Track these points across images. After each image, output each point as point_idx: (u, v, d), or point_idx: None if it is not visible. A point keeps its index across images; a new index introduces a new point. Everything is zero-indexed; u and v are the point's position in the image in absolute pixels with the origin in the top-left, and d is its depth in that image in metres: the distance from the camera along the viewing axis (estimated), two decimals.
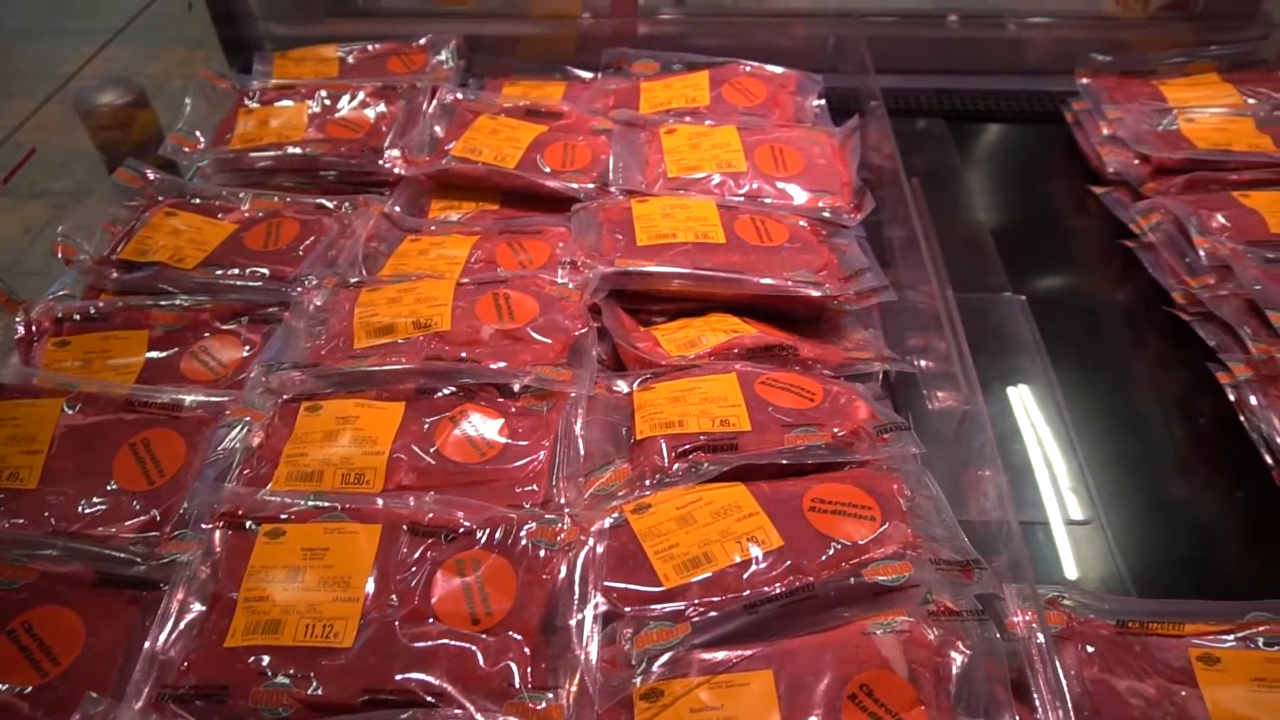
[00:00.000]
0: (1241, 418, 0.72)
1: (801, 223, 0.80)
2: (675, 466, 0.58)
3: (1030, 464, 0.72)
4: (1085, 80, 1.03)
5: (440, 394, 0.63)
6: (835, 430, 0.60)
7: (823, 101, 0.98)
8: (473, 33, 1.11)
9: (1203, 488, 0.71)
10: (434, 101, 0.94)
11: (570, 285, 0.72)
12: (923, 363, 0.72)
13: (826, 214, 0.81)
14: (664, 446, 0.59)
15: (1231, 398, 0.73)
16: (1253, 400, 0.72)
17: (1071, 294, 0.88)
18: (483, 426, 0.61)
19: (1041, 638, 0.54)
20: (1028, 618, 0.56)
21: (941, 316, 0.67)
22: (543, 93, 1.01)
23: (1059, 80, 1.07)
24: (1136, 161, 0.92)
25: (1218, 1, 1.18)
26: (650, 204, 0.79)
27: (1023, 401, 0.77)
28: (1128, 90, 1.00)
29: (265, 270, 0.75)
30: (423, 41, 1.05)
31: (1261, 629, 0.55)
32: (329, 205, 0.83)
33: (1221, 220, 0.82)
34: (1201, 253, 0.80)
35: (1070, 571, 0.65)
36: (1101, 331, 0.84)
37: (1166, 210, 0.86)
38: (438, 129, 0.92)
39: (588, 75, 1.04)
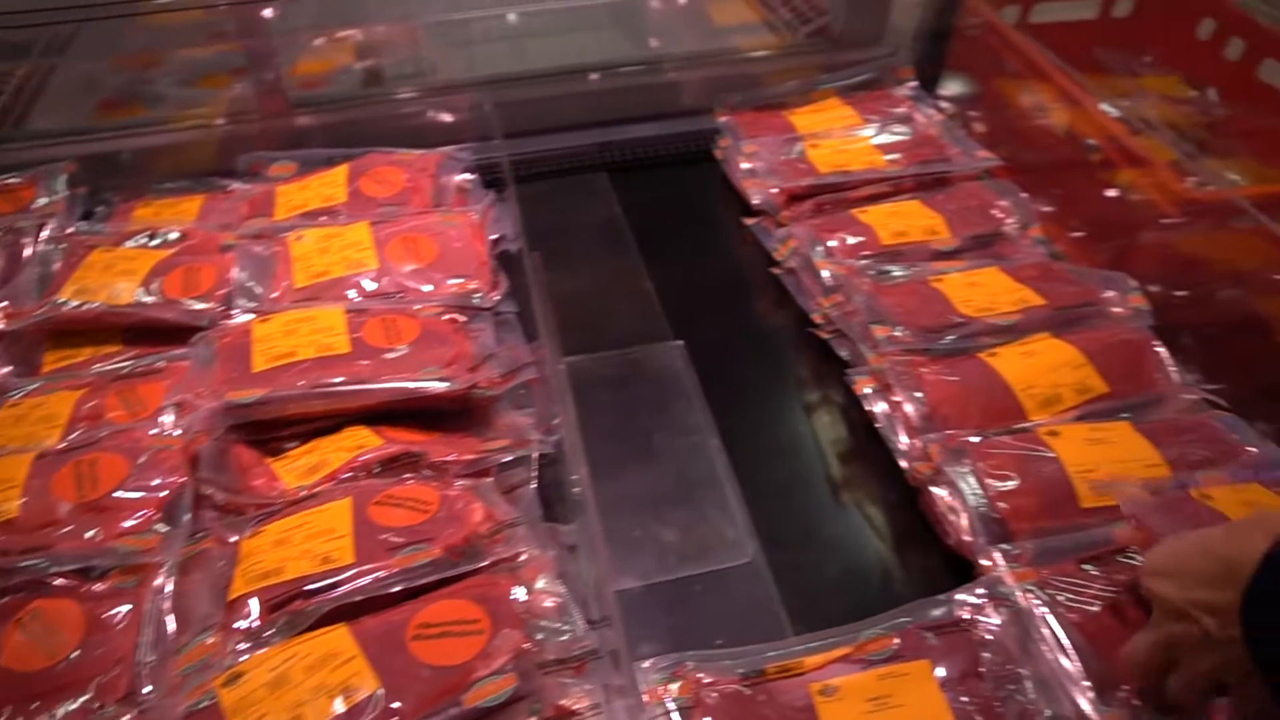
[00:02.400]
0: (877, 426, 0.76)
1: (444, 314, 0.78)
2: (272, 621, 0.54)
3: (690, 515, 0.73)
4: (724, 118, 1.07)
5: (3, 599, 0.56)
6: (447, 542, 0.58)
7: (470, 176, 0.97)
8: (103, 151, 1.03)
9: (855, 504, 0.74)
10: (42, 241, 0.87)
11: (176, 432, 0.67)
12: (554, 437, 0.71)
13: (464, 300, 0.80)
14: (258, 603, 0.55)
15: (867, 408, 0.77)
16: (879, 409, 0.76)
17: (729, 329, 0.90)
18: (56, 623, 0.55)
19: (673, 707, 0.54)
20: (660, 692, 0.56)
21: (553, 389, 0.67)
22: (176, 211, 0.95)
23: (711, 119, 1.12)
24: (774, 191, 0.97)
25: (851, 26, 1.27)
26: (272, 322, 0.75)
27: (681, 450, 0.78)
28: (762, 123, 1.05)
29: None
30: (27, 176, 0.96)
31: (872, 647, 0.57)
32: None
33: (841, 240, 0.88)
34: (825, 274, 0.85)
35: (731, 620, 0.66)
36: (757, 362, 0.86)
37: (798, 236, 0.90)
38: (48, 271, 0.85)
39: (235, 184, 0.99)
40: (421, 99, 1.16)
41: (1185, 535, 0.53)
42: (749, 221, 0.99)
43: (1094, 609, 0.58)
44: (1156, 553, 0.53)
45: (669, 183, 1.09)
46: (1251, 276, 0.82)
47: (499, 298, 0.82)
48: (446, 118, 1.12)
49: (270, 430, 0.70)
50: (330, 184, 0.92)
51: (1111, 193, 0.97)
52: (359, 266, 0.81)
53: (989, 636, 0.58)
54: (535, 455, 0.71)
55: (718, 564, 0.69)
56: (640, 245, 0.99)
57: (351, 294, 0.80)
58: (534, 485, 0.69)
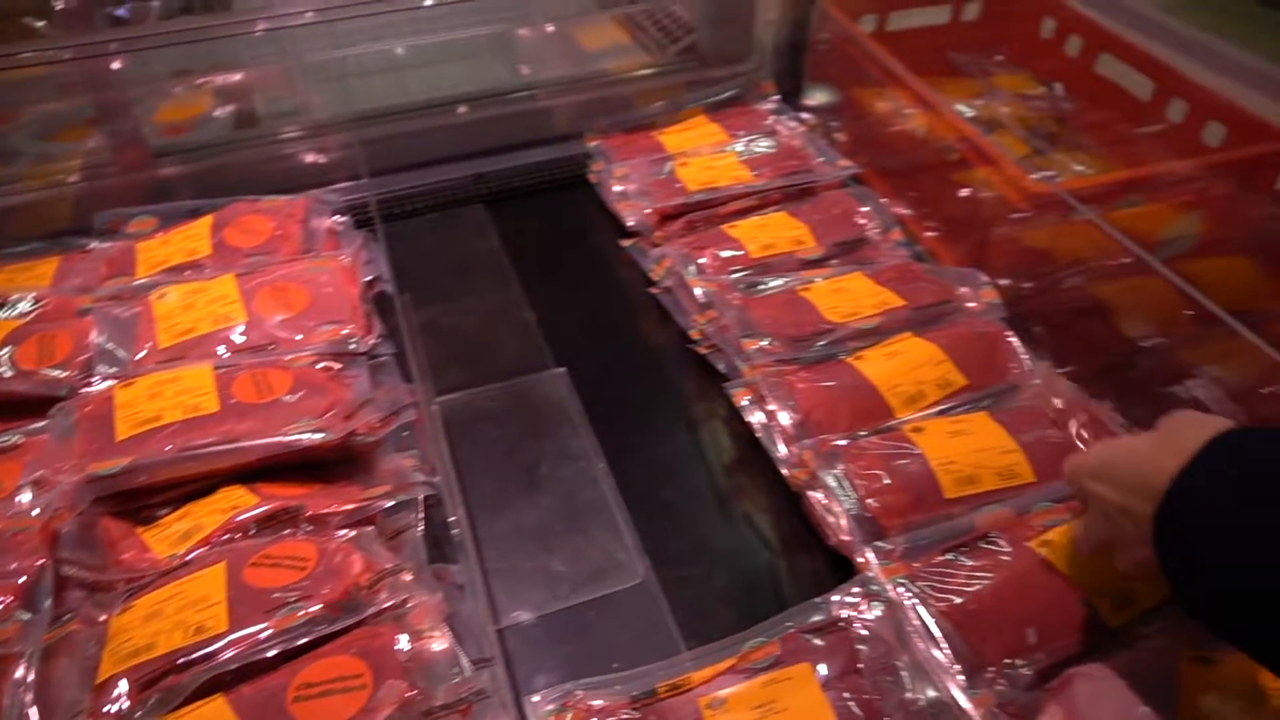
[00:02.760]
0: (757, 436, 0.78)
1: (318, 363, 0.77)
2: (143, 701, 0.53)
3: (580, 541, 0.73)
4: (595, 142, 1.09)
5: None
6: (326, 598, 0.58)
7: (341, 218, 0.96)
8: None
9: (741, 514, 0.76)
10: None
11: (34, 512, 0.64)
12: (437, 478, 0.71)
13: (339, 346, 0.79)
14: (127, 683, 0.53)
15: (746, 419, 0.79)
16: (756, 419, 0.78)
17: (612, 352, 0.91)
18: None
19: None
20: None
21: (425, 430, 0.67)
22: (30, 275, 0.91)
23: (585, 143, 1.13)
24: (647, 212, 0.99)
25: (717, 43, 1.30)
26: (136, 386, 0.73)
27: (568, 477, 0.78)
28: (632, 145, 1.07)
29: None
30: None
31: (755, 656, 0.59)
32: None
33: (712, 256, 0.90)
34: (698, 292, 0.87)
35: (625, 642, 0.67)
36: (640, 382, 0.88)
37: (671, 255, 0.92)
38: None
39: (93, 243, 0.95)
40: (289, 140, 1.14)
41: (1118, 440, 0.58)
42: (626, 243, 1.01)
43: (961, 597, 0.60)
44: (1091, 453, 0.58)
45: (546, 210, 1.10)
46: (1089, 263, 0.88)
47: (375, 341, 0.82)
48: (316, 158, 1.11)
49: (140, 499, 0.68)
50: (193, 237, 0.90)
51: (965, 192, 1.02)
52: (226, 321, 0.79)
53: (866, 633, 0.60)
54: (420, 498, 0.70)
55: (609, 588, 0.70)
56: (520, 275, 0.99)
57: (220, 350, 0.78)
58: (420, 528, 0.69)
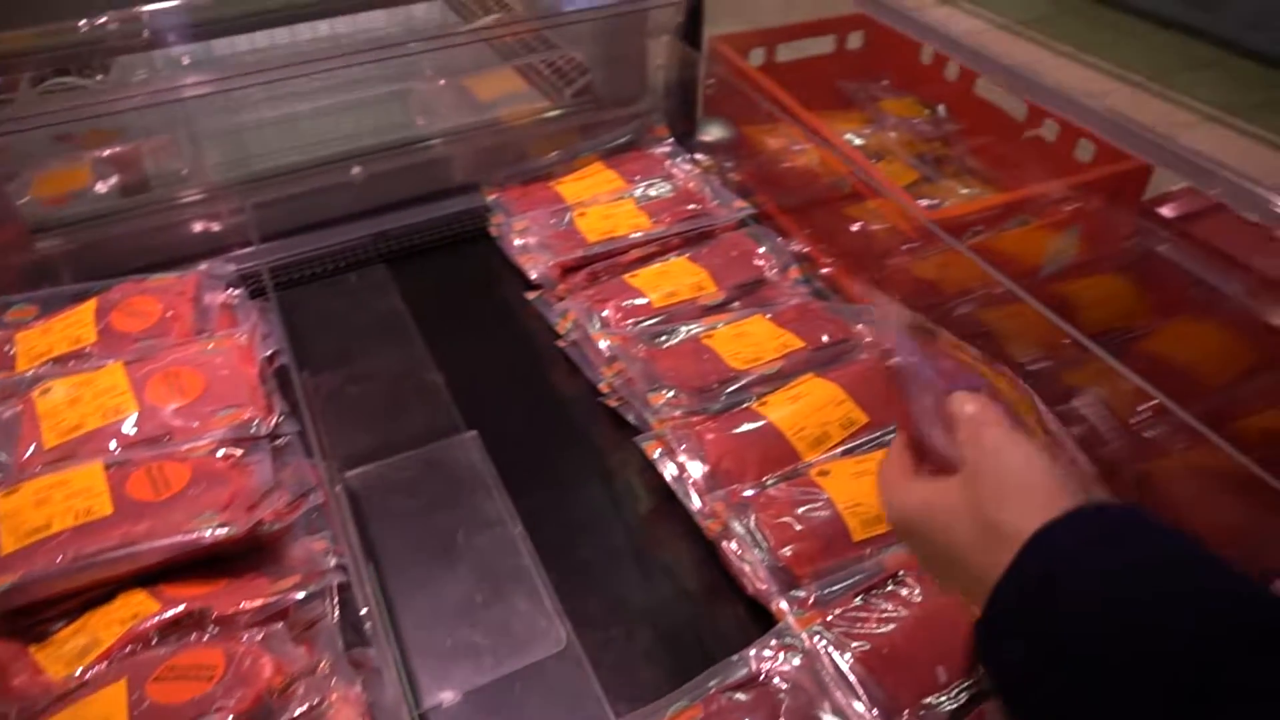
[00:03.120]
0: (672, 488, 0.79)
1: (218, 450, 0.75)
2: None
3: (501, 611, 0.73)
4: (493, 196, 1.09)
5: None
6: (237, 709, 0.56)
7: (236, 291, 0.94)
8: None
9: (660, 569, 0.76)
10: None
11: None
12: (332, 562, 0.70)
13: (239, 431, 0.77)
14: None
15: (660, 471, 0.80)
16: (669, 472, 0.79)
17: (523, 410, 0.91)
18: None
19: None
20: None
21: (332, 511, 0.66)
22: None
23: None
24: (549, 265, 0.99)
25: (611, 83, 1.31)
26: (21, 493, 0.70)
27: (485, 546, 0.78)
28: (531, 197, 1.08)
29: None
30: None
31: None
32: None
33: (615, 308, 0.91)
34: (603, 345, 0.88)
35: (552, 712, 0.66)
36: (553, 440, 0.88)
37: (575, 309, 0.93)
38: None
39: None
40: (179, 208, 1.11)
41: (933, 489, 0.47)
42: (531, 295, 1.01)
43: (873, 641, 0.62)
44: (905, 506, 0.49)
45: (450, 266, 1.09)
46: (974, 291, 0.91)
47: (277, 420, 0.80)
48: (209, 226, 1.07)
49: (32, 614, 0.65)
50: (77, 323, 0.86)
51: (857, 225, 1.06)
52: (117, 414, 0.76)
53: (786, 685, 0.62)
54: (334, 583, 0.69)
55: (532, 657, 0.70)
56: (426, 335, 0.98)
57: (112, 445, 0.75)
58: (335, 614, 0.68)
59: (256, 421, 0.78)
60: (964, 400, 0.49)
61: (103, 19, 0.96)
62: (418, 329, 0.99)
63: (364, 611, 0.63)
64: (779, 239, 1.01)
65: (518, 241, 1.02)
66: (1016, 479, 0.44)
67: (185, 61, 1.24)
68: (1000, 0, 3.40)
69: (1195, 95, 2.79)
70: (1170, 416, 0.73)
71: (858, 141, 1.45)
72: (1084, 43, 3.10)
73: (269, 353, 0.87)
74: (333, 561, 0.70)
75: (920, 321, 0.58)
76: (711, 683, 0.62)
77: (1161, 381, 0.74)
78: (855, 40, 1.58)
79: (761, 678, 0.62)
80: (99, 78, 1.26)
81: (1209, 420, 0.70)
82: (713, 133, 1.25)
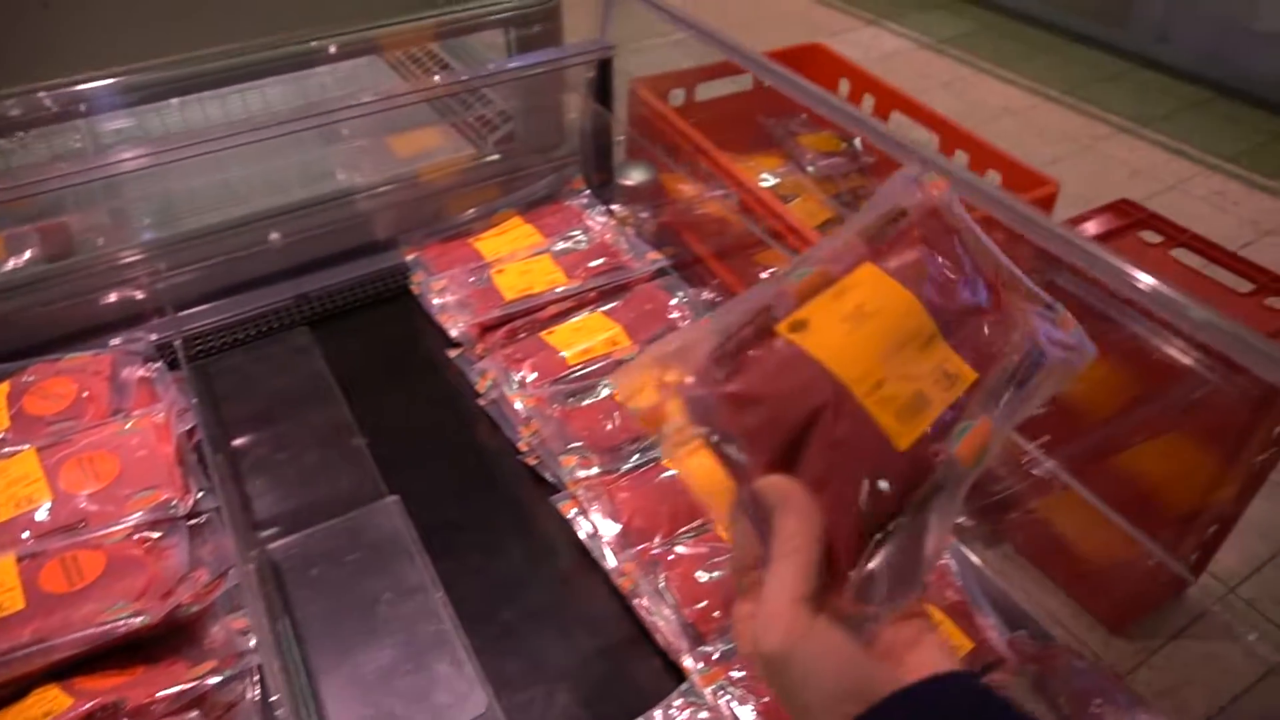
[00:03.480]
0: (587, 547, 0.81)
1: (134, 535, 0.76)
2: None
3: (421, 679, 0.74)
4: (413, 255, 1.10)
5: None
6: None
7: (155, 365, 0.94)
8: None
9: (578, 626, 0.78)
10: None
11: None
12: (252, 642, 0.71)
13: (158, 513, 0.77)
14: None
15: (575, 530, 0.83)
16: (584, 531, 0.81)
17: (444, 471, 0.93)
18: None
19: None
20: None
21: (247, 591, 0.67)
22: None
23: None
24: (468, 323, 1.01)
25: (531, 131, 1.34)
26: None
27: (407, 613, 0.79)
28: (450, 255, 1.09)
29: None
30: None
31: None
32: None
33: (530, 367, 0.93)
34: (519, 406, 0.90)
35: None
36: (474, 501, 0.89)
37: (492, 368, 0.95)
38: None
39: None
40: (93, 277, 1.10)
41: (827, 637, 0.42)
42: (453, 354, 1.03)
43: (770, 694, 0.65)
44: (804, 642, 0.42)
45: (373, 326, 1.11)
46: None
47: (195, 499, 0.81)
48: (124, 295, 1.07)
49: None
50: None
51: (768, 272, 1.09)
52: (29, 503, 0.77)
53: None
54: (254, 664, 0.70)
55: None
56: (349, 399, 1.00)
57: (25, 535, 0.75)
58: (255, 694, 0.69)
59: (174, 502, 0.79)
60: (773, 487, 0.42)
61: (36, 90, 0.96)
62: (340, 392, 1.00)
63: (275, 698, 0.64)
64: (691, 290, 1.04)
65: (437, 300, 1.04)
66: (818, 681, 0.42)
67: (111, 126, 1.24)
68: (924, 20, 3.50)
69: (1108, 107, 2.90)
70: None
71: (773, 181, 1.49)
72: (1003, 59, 3.21)
73: (189, 426, 0.87)
74: (252, 642, 0.71)
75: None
76: None
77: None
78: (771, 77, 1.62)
79: None
80: (19, 134, 1.25)
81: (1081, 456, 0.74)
82: (634, 176, 1.28)
